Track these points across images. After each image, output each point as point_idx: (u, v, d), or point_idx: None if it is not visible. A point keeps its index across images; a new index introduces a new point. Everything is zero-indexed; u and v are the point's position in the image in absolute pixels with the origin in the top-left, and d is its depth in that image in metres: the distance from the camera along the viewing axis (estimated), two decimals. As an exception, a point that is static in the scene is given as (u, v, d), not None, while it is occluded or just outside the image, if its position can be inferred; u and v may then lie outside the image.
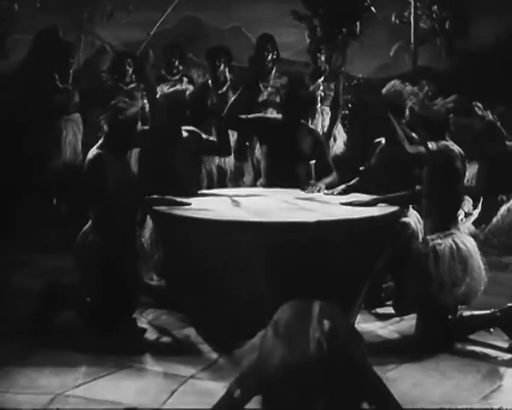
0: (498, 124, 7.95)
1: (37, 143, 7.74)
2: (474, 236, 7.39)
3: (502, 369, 4.64)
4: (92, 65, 9.05)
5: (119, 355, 4.72)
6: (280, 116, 6.27)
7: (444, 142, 5.04)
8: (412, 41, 9.51)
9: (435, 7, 9.69)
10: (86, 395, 4.22)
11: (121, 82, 7.75)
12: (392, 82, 5.77)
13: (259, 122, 6.19)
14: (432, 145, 5.00)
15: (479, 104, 8.01)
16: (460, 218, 7.41)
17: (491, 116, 7.97)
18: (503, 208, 7.77)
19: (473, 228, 7.70)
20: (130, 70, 7.82)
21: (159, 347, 4.99)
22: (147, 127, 5.83)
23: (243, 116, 6.06)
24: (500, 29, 8.90)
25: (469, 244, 5.05)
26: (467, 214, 7.70)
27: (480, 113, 8.00)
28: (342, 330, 3.30)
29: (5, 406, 4.09)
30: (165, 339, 5.12)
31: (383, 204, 5.20)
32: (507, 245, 7.53)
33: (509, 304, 4.98)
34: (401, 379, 4.46)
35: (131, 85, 7.78)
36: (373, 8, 8.93)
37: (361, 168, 5.98)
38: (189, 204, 5.14)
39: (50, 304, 5.16)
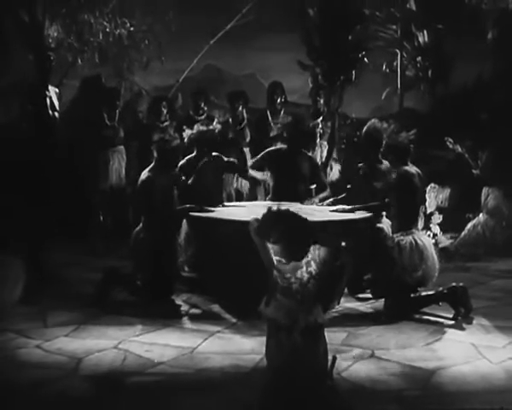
0: (466, 156, 9.67)
1: (89, 169, 9.21)
2: (446, 247, 9.13)
3: (445, 329, 6.26)
4: (131, 106, 10.61)
5: (163, 319, 6.43)
6: (285, 147, 7.98)
7: (403, 167, 6.69)
8: (399, 86, 11.11)
9: (419, 58, 11.28)
10: (142, 340, 5.94)
11: (157, 120, 9.34)
12: (371, 121, 7.50)
13: (269, 155, 7.91)
14: (394, 174, 6.71)
15: (450, 139, 9.76)
16: (430, 236, 9.10)
17: (460, 149, 9.71)
18: (470, 224, 9.39)
19: (445, 240, 9.39)
20: (165, 111, 9.43)
21: (192, 314, 6.69)
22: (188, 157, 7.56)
23: (256, 158, 7.87)
24: (470, 77, 10.36)
25: (425, 241, 6.72)
26: (434, 235, 9.39)
27: (451, 146, 9.76)
28: None
29: (84, 347, 5.79)
30: (197, 310, 6.82)
31: (360, 211, 6.89)
32: (472, 254, 9.10)
33: (453, 284, 6.60)
34: (369, 334, 6.14)
35: (165, 123, 9.39)
36: (366, 59, 10.57)
37: (348, 186, 7.67)
38: (214, 211, 6.94)
39: (110, 285, 6.90)
